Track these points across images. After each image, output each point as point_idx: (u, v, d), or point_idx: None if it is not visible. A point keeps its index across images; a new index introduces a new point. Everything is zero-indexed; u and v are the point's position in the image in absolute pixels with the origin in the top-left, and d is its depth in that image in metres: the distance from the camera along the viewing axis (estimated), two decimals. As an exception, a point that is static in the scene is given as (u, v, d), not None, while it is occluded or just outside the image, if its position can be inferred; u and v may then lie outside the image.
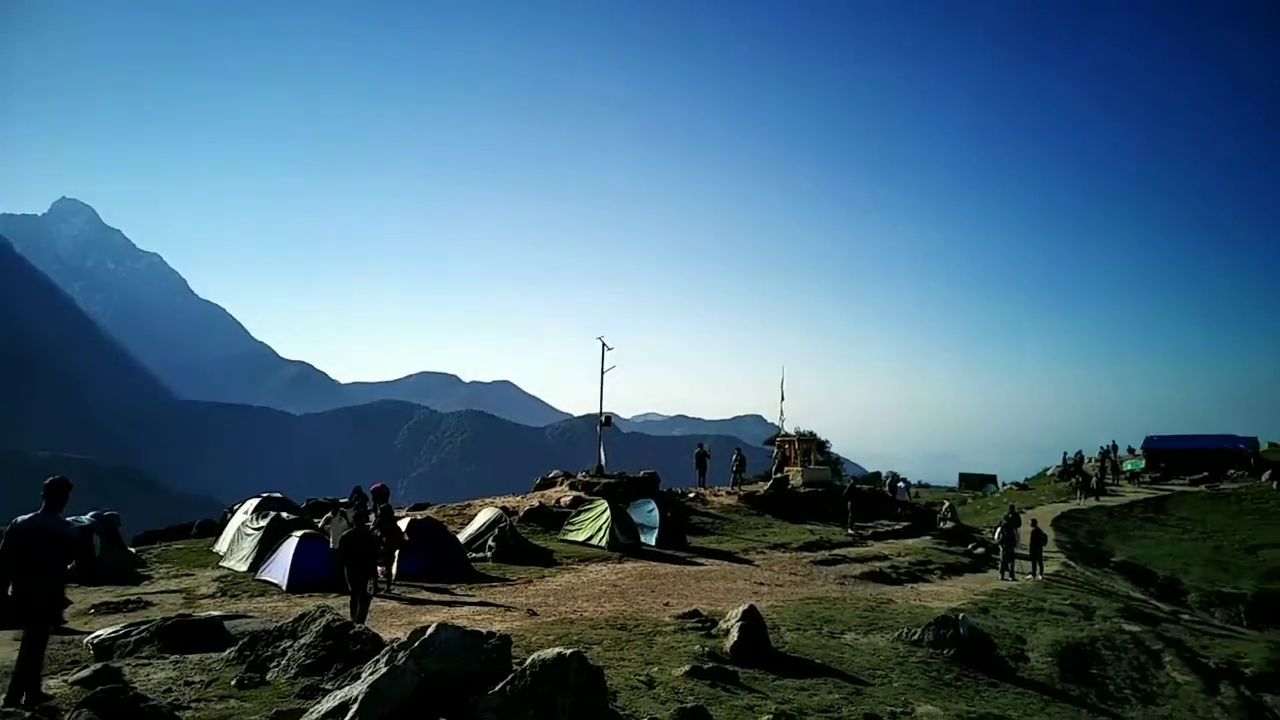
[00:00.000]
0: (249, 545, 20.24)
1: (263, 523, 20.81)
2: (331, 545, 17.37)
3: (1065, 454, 60.38)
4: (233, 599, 16.63)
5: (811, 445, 45.22)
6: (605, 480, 33.14)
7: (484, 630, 8.14)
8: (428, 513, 27.55)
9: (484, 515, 24.95)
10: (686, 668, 10.84)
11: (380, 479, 19.37)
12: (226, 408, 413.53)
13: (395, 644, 7.65)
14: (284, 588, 17.27)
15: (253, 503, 23.31)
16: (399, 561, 18.46)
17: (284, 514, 21.71)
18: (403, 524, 19.56)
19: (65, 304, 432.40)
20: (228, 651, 10.33)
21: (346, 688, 7.19)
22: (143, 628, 11.21)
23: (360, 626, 10.43)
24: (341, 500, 23.57)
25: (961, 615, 15.32)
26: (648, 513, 27.07)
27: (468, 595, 17.38)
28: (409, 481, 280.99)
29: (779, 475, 39.63)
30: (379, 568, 16.05)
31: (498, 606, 15.93)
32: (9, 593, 8.05)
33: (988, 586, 23.51)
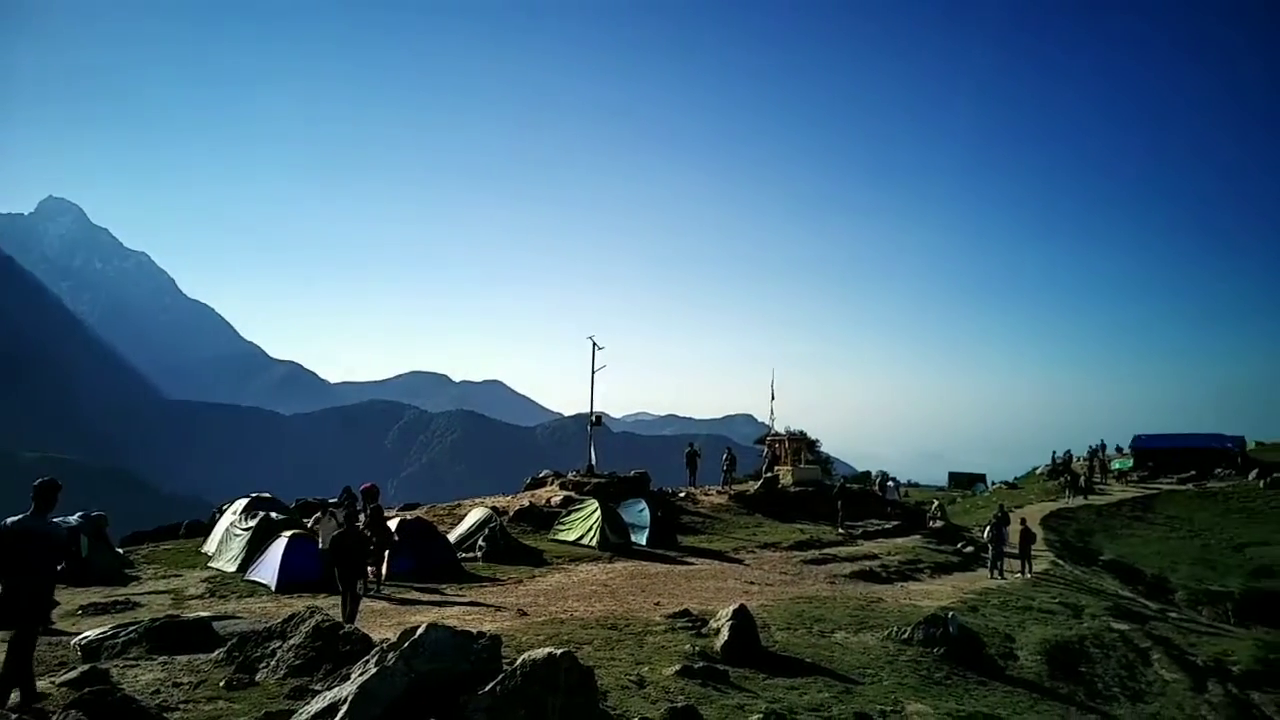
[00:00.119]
0: (238, 546, 20.12)
1: (252, 523, 20.67)
2: (321, 545, 17.29)
3: (1054, 453, 60.71)
4: (221, 600, 16.53)
5: (802, 445, 45.38)
6: (596, 480, 33.14)
7: (474, 630, 8.14)
8: (418, 513, 27.46)
9: (474, 515, 24.89)
10: (677, 667, 10.87)
11: (370, 479, 19.32)
12: (215, 407, 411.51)
13: (385, 644, 7.65)
14: (273, 588, 17.19)
15: (241, 503, 23.13)
16: (389, 562, 18.38)
17: (273, 514, 21.57)
18: (392, 524, 19.48)
19: (53, 303, 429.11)
20: (216, 652, 10.27)
21: (336, 688, 7.18)
22: (131, 629, 11.13)
23: (350, 627, 10.40)
24: (331, 500, 23.51)
25: (951, 614, 15.41)
26: (638, 512, 27.09)
27: (458, 595, 17.36)
28: (399, 481, 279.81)
29: (769, 474, 39.75)
30: (369, 568, 16.03)
31: (488, 606, 15.91)
32: None
33: (977, 585, 23.65)
